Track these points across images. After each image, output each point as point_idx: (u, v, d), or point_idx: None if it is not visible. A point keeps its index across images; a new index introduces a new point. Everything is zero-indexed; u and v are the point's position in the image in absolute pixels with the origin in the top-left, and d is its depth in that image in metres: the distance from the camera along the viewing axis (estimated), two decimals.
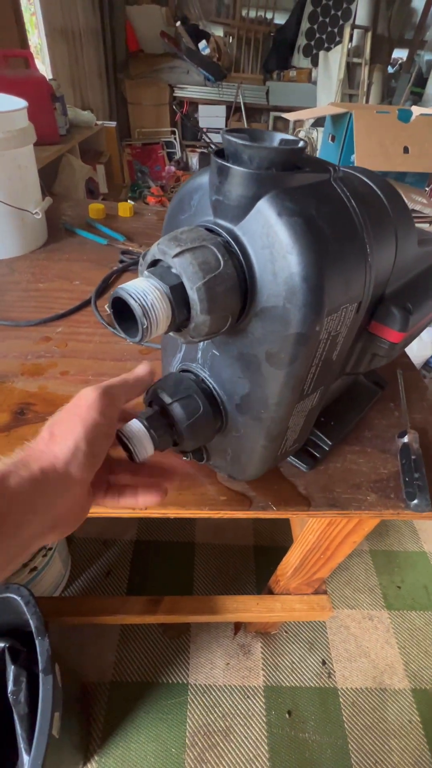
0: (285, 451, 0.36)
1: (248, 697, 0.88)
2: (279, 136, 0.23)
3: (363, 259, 0.25)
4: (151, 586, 1.02)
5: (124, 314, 0.22)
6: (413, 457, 0.45)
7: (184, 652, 0.93)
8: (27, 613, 0.55)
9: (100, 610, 0.73)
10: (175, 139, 3.65)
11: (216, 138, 3.65)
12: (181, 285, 0.22)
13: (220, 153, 0.23)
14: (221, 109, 3.65)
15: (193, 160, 3.61)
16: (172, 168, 3.46)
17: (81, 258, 0.78)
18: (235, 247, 0.23)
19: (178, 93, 3.51)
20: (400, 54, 3.64)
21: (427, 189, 1.70)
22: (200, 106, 3.63)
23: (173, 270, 0.22)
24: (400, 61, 3.70)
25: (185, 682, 0.89)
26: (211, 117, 3.69)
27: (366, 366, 0.37)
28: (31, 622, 0.54)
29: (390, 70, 3.54)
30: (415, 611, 1.05)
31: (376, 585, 1.10)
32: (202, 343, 0.31)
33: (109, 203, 1.00)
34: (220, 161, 0.22)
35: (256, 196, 0.22)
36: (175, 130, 3.63)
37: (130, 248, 0.80)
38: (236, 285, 0.23)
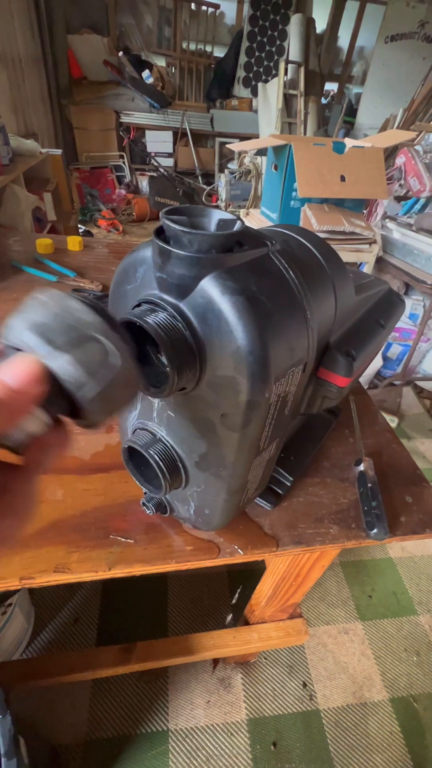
0: (248, 499, 0.36)
1: (232, 734, 0.86)
2: (217, 216, 0.24)
3: (304, 325, 0.26)
4: (124, 629, 0.97)
5: None
6: (369, 485, 0.48)
7: (163, 696, 0.89)
8: None
9: (70, 668, 0.68)
10: (124, 162, 3.68)
11: (164, 162, 3.72)
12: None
13: (161, 232, 0.23)
14: (168, 135, 3.74)
15: (143, 183, 3.65)
16: (123, 191, 3.48)
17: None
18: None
19: (124, 119, 3.56)
20: (331, 87, 3.94)
21: (364, 212, 1.83)
22: (147, 132, 3.70)
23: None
24: (332, 93, 4.00)
25: (165, 728, 0.85)
26: (159, 142, 3.77)
27: (318, 407, 0.39)
28: None
29: (323, 101, 3.81)
30: (387, 619, 1.08)
31: (349, 597, 1.12)
32: (157, 403, 0.31)
33: (58, 237, 0.98)
34: (161, 244, 0.22)
35: (199, 276, 0.22)
36: (124, 154, 3.67)
37: (82, 285, 0.79)
38: (133, 379, 0.19)
